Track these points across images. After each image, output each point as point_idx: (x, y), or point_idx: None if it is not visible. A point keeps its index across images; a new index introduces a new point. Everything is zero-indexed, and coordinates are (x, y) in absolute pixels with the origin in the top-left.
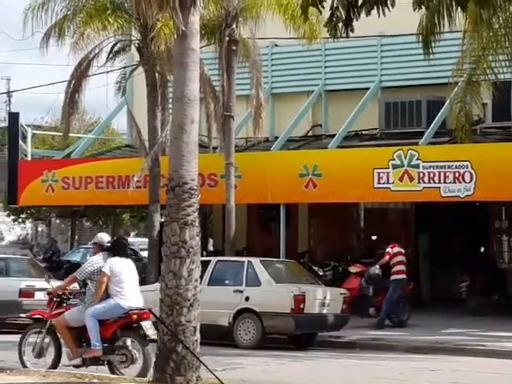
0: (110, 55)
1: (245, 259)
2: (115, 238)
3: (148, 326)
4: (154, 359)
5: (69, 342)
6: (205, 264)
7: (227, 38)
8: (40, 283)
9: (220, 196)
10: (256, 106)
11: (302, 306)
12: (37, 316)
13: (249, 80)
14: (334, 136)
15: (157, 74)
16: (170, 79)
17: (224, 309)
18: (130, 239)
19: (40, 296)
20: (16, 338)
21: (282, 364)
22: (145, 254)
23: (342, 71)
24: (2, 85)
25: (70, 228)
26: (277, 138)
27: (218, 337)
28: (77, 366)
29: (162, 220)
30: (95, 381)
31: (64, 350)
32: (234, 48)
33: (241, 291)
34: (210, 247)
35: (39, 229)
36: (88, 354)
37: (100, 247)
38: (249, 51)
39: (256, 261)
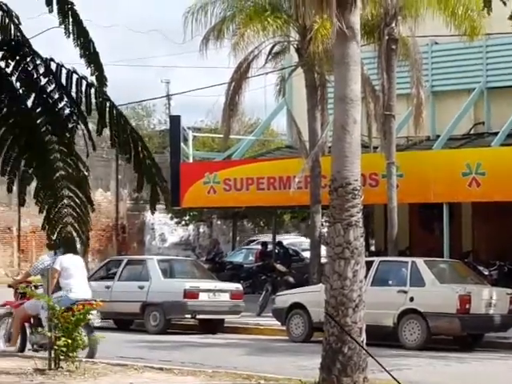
0: (269, 56)
1: (408, 259)
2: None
3: (93, 316)
4: (97, 344)
5: (15, 332)
6: (368, 264)
7: (386, 37)
8: (204, 284)
9: (381, 196)
10: (416, 105)
11: (467, 307)
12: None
13: (409, 79)
14: (496, 134)
15: (316, 75)
16: (329, 79)
17: (388, 309)
18: (292, 240)
19: (205, 297)
20: (182, 338)
21: (448, 365)
22: (306, 254)
23: (504, 67)
24: (161, 88)
25: (231, 229)
26: (438, 136)
27: (381, 337)
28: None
29: (323, 220)
30: (262, 382)
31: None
32: (393, 47)
33: (405, 291)
34: (372, 247)
35: (201, 230)
36: (42, 340)
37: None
38: (408, 50)
39: (420, 261)
